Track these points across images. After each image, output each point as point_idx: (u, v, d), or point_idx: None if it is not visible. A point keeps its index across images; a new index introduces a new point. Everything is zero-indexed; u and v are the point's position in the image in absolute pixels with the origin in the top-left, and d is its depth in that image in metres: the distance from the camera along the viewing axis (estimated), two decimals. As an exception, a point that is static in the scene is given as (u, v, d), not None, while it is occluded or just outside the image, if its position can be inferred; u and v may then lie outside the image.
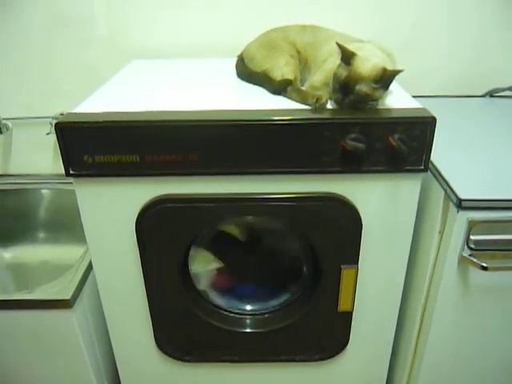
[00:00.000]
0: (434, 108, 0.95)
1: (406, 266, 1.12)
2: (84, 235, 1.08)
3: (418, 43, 1.47)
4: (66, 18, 1.42)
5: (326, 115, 0.96)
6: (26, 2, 1.40)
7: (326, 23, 1.16)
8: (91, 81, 1.20)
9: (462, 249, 1.01)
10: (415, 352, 1.22)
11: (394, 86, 1.04)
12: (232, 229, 1.31)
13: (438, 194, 1.03)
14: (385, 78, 0.92)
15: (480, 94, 1.53)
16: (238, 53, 1.21)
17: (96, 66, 1.48)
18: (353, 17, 1.43)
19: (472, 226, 0.98)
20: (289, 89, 1.03)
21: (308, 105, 0.98)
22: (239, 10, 1.42)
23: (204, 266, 1.31)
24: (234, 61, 1.22)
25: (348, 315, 1.17)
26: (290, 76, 1.04)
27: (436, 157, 1.04)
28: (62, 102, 1.40)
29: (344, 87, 0.93)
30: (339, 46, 0.93)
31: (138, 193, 1.01)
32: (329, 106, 0.98)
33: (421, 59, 1.49)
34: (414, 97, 1.05)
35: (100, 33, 1.44)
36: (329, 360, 1.26)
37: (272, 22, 1.19)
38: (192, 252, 1.22)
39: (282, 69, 1.06)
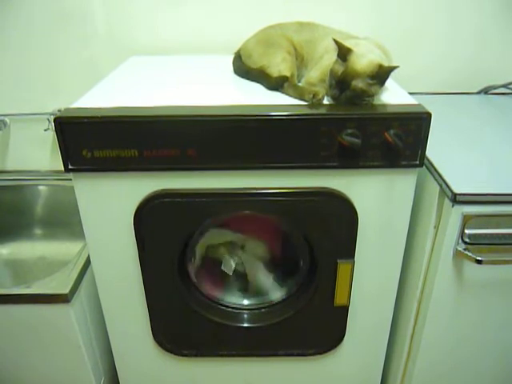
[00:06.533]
0: (429, 104, 0.96)
1: (401, 260, 1.13)
2: (81, 231, 1.08)
3: (414, 42, 1.48)
4: (66, 13, 1.43)
5: (322, 111, 0.97)
6: (27, -1, 1.41)
7: (325, 21, 1.17)
8: (90, 77, 1.21)
9: (457, 243, 1.02)
10: (411, 345, 1.24)
11: (390, 82, 1.06)
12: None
13: (433, 188, 1.05)
14: (380, 74, 0.93)
15: (475, 91, 1.54)
16: (236, 50, 1.21)
17: (95, 63, 1.48)
18: (351, 15, 1.44)
19: (467, 220, 0.99)
20: (285, 85, 1.04)
21: (305, 100, 0.99)
22: (238, 7, 1.43)
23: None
24: (232, 58, 1.22)
25: (344, 309, 1.19)
26: (286, 72, 1.05)
27: (431, 152, 1.05)
28: (61, 99, 1.42)
29: (340, 83, 0.94)
30: (335, 42, 0.94)
31: (136, 187, 1.02)
32: (325, 101, 0.99)
33: (417, 57, 1.50)
34: (409, 94, 1.06)
35: (99, 29, 1.45)
36: (325, 354, 1.27)
37: (271, 19, 1.20)
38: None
39: (279, 65, 1.07)
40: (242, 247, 1.34)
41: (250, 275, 1.35)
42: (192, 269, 1.25)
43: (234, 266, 1.33)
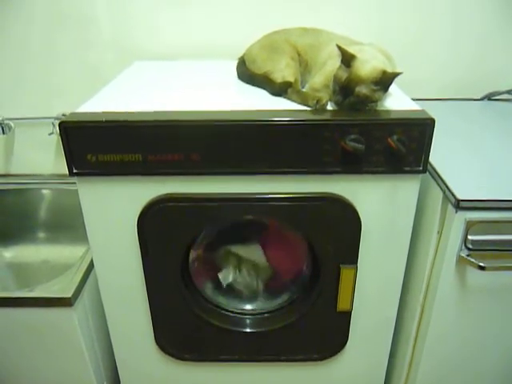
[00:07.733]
0: (432, 110, 0.96)
1: (404, 266, 1.13)
2: (84, 235, 1.09)
3: (418, 48, 1.49)
4: (69, 18, 1.43)
5: (325, 116, 0.97)
6: (28, 2, 1.41)
7: (328, 26, 1.18)
8: (94, 82, 1.22)
9: (460, 249, 1.02)
10: (413, 351, 1.23)
11: (393, 88, 1.06)
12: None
13: (436, 194, 1.05)
14: (384, 80, 0.93)
15: (478, 97, 1.54)
16: (240, 55, 1.22)
17: (99, 68, 1.49)
18: (354, 20, 1.44)
19: (470, 227, 0.99)
20: (289, 90, 1.04)
21: (308, 106, 0.99)
22: (241, 13, 1.43)
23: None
24: (236, 63, 1.23)
25: (347, 315, 1.18)
26: (290, 78, 1.05)
27: (434, 158, 1.05)
28: (65, 103, 1.41)
29: (344, 89, 0.95)
30: (339, 48, 0.95)
31: (140, 192, 1.02)
32: (329, 107, 1.00)
33: (421, 63, 1.50)
34: (413, 100, 1.06)
35: (103, 34, 1.45)
36: (328, 359, 1.27)
37: (274, 25, 1.20)
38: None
39: (283, 71, 1.07)
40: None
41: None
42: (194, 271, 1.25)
43: (231, 279, 1.34)
